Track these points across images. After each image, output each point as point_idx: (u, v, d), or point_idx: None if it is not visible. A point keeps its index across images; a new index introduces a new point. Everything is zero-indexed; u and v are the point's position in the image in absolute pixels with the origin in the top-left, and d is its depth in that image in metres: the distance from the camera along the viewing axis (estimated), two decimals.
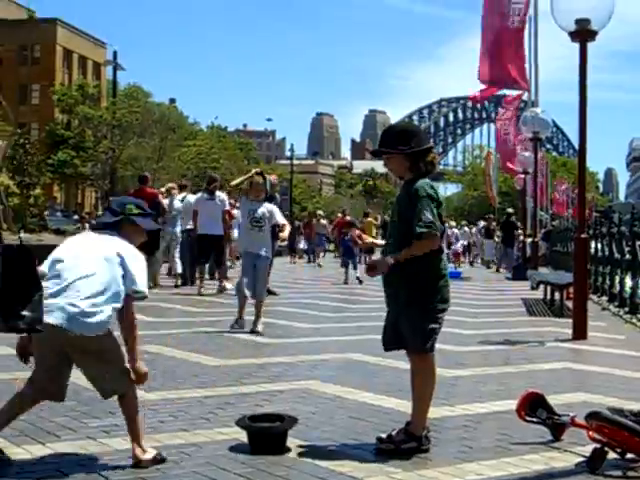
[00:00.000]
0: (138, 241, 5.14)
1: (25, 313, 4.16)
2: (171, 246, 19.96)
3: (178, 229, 20.02)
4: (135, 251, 4.99)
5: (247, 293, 11.83)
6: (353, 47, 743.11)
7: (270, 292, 17.82)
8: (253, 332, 11.36)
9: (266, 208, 11.97)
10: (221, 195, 18.19)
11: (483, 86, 22.75)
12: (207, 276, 18.47)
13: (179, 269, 20.03)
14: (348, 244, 23.86)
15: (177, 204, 20.17)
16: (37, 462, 4.99)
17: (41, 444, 5.41)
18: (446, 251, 40.24)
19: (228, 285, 17.91)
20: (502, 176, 60.35)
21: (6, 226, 24.99)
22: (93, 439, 5.59)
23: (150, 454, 4.97)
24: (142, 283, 4.94)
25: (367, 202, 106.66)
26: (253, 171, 12.78)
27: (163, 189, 21.11)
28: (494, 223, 39.97)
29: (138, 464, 4.89)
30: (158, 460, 4.96)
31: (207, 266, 19.46)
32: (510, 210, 36.50)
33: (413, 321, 5.54)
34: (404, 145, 5.61)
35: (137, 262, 4.95)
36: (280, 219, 12.32)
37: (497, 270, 32.89)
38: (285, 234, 12.59)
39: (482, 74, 22.59)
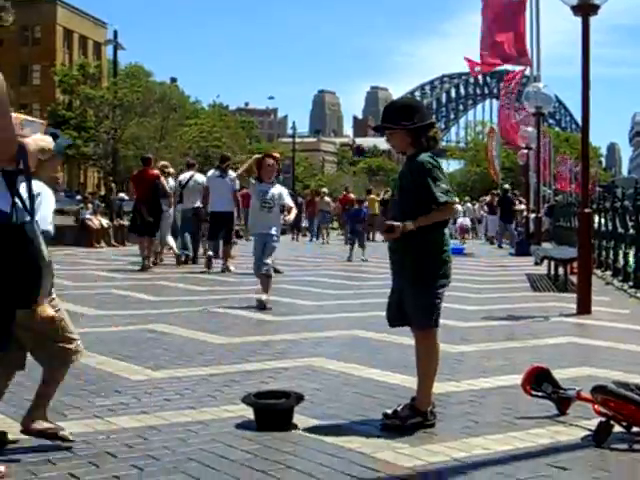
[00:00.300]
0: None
1: None
2: (163, 225, 19.45)
3: (171, 209, 19.84)
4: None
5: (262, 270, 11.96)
6: (355, 24, 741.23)
7: (275, 270, 17.86)
8: (262, 308, 11.55)
9: (277, 190, 12.21)
10: (232, 174, 18.09)
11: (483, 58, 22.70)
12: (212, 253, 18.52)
13: (174, 246, 19.95)
14: (354, 222, 23.90)
15: (171, 183, 20.13)
16: (45, 441, 5.00)
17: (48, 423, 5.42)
18: (450, 226, 40.32)
19: (232, 267, 18.02)
20: (505, 151, 60.26)
21: None
22: (100, 417, 5.61)
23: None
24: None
25: (369, 179, 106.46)
26: (254, 157, 12.80)
27: (160, 166, 20.96)
28: (497, 199, 39.92)
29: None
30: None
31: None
32: (507, 186, 36.46)
33: (416, 298, 5.55)
34: (406, 120, 5.60)
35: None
36: (288, 201, 12.58)
37: (499, 246, 32.82)
38: (291, 217, 12.86)
39: (483, 50, 22.57)
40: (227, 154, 20.91)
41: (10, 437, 5.07)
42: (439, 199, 5.45)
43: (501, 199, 34.53)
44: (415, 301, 5.55)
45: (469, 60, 25.03)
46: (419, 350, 5.66)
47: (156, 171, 19.37)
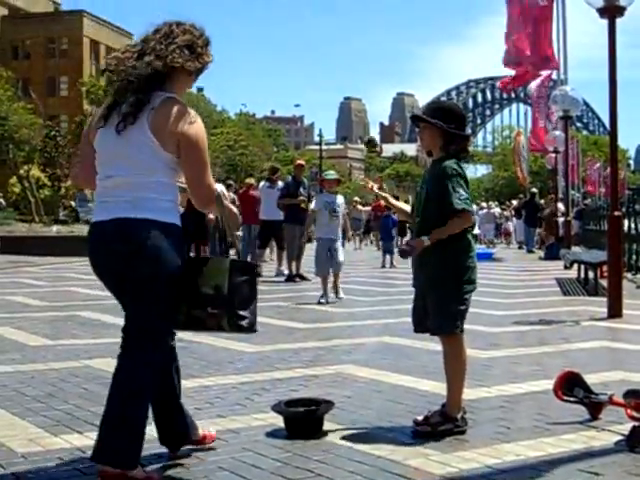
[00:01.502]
0: None
1: (246, 314, 4.70)
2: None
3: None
4: None
5: (329, 271, 13.99)
6: (380, 30, 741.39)
7: (302, 277, 17.93)
8: (337, 298, 13.92)
9: (340, 200, 14.36)
10: (280, 184, 19.44)
11: (508, 69, 22.56)
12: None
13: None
14: (384, 230, 23.99)
15: None
16: (76, 452, 5.02)
17: (78, 433, 5.44)
18: (476, 231, 40.15)
19: (286, 270, 18.74)
20: (533, 155, 60.00)
21: (38, 218, 25.17)
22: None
23: None
24: None
25: (396, 185, 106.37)
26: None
27: None
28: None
29: None
30: None
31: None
32: (534, 190, 36.30)
33: (440, 303, 5.52)
34: (445, 122, 5.57)
35: None
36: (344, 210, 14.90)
37: (528, 251, 32.61)
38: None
39: (509, 54, 22.43)
40: (277, 166, 22.20)
41: (38, 448, 5.09)
42: (455, 205, 5.41)
43: (526, 202, 34.41)
44: (438, 305, 5.52)
45: (504, 83, 24.99)
46: (446, 356, 5.63)
47: None
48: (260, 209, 19.58)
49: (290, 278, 18.04)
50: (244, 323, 4.68)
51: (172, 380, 4.86)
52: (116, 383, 4.46)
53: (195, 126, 4.48)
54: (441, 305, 5.52)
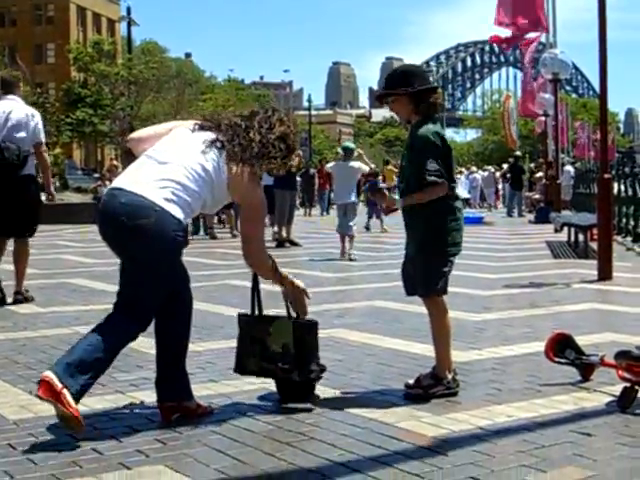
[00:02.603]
0: None
1: (313, 367, 5.35)
2: None
3: None
4: None
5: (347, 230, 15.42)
6: None
7: (293, 243, 17.93)
8: (350, 260, 14.87)
9: (356, 164, 16.19)
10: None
11: (501, 30, 22.40)
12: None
13: None
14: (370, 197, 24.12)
15: None
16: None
17: None
18: (467, 195, 40.16)
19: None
20: (522, 119, 59.92)
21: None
22: (122, 393, 5.62)
23: None
24: None
25: (387, 150, 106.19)
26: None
27: None
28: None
29: None
30: None
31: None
32: (518, 153, 36.35)
33: (423, 264, 5.53)
34: (407, 86, 5.52)
35: None
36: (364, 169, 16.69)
37: (508, 214, 32.45)
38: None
39: (500, 16, 22.30)
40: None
41: (29, 415, 5.09)
42: (426, 179, 5.39)
43: (511, 166, 34.44)
44: (422, 268, 5.52)
45: (495, 39, 24.79)
46: (431, 318, 5.64)
47: None
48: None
49: (280, 244, 18.01)
50: (313, 375, 5.31)
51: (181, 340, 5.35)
52: (93, 332, 4.81)
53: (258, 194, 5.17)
54: (424, 268, 5.52)
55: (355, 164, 16.14)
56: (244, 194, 5.05)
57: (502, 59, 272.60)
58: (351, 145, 17.68)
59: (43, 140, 10.01)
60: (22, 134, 9.55)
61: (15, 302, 9.63)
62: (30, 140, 9.67)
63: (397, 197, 5.69)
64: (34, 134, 9.72)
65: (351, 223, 15.45)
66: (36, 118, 9.79)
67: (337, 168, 16.62)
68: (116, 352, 4.86)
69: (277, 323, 5.36)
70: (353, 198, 15.85)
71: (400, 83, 5.56)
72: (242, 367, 5.47)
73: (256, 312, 5.52)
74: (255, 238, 5.26)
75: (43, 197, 10.67)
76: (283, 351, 5.20)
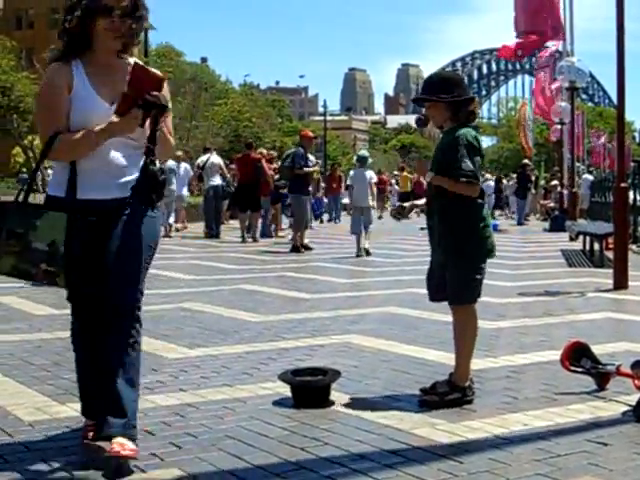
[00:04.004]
0: None
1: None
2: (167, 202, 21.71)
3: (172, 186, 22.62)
4: None
5: (362, 230, 17.02)
6: (386, 1, 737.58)
7: (306, 247, 17.95)
8: (368, 254, 16.73)
9: (369, 173, 17.54)
10: (312, 158, 20.07)
11: (518, 39, 22.36)
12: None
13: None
14: None
15: (184, 165, 24.46)
16: (83, 420, 5.00)
17: None
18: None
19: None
20: (538, 127, 59.83)
21: (42, 189, 25.19)
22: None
23: None
24: None
25: (402, 157, 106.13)
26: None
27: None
28: (532, 176, 39.61)
29: None
30: None
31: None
32: (526, 161, 36.23)
33: (456, 273, 5.52)
34: (446, 93, 5.54)
35: None
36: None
37: (518, 223, 32.24)
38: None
39: (518, 25, 22.28)
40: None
41: (45, 417, 5.10)
42: (459, 178, 5.41)
43: (518, 174, 34.34)
44: (456, 276, 5.51)
45: (506, 47, 24.70)
46: (457, 325, 5.62)
47: (258, 155, 22.49)
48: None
49: (296, 248, 18.03)
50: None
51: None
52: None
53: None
54: (457, 276, 5.51)
55: (368, 173, 17.51)
56: None
57: (518, 67, 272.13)
58: (366, 154, 19.01)
59: None
60: None
61: None
62: None
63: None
64: None
65: (370, 223, 17.33)
66: None
67: (354, 175, 17.93)
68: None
69: (47, 216, 4.32)
70: (370, 201, 17.35)
71: (439, 90, 5.57)
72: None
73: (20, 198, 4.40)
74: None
75: None
76: (50, 250, 4.28)
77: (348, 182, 19.40)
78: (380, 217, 30.60)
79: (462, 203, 5.48)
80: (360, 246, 16.91)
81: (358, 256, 16.56)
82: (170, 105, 4.33)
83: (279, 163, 23.23)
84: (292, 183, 18.65)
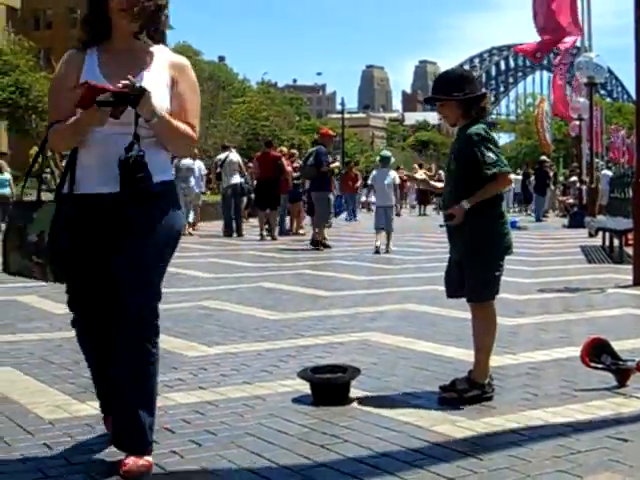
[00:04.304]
0: None
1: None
2: (185, 201, 22.47)
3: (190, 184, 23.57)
4: None
5: (382, 227, 17.26)
6: None
7: (325, 245, 17.96)
8: (387, 252, 16.83)
9: (392, 173, 18.06)
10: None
11: (537, 37, 22.25)
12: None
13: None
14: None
15: (198, 164, 24.56)
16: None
17: None
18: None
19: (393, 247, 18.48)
20: (556, 123, 59.60)
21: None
22: (157, 394, 5.61)
23: None
24: None
25: (419, 154, 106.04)
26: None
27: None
28: (550, 172, 39.47)
29: None
30: None
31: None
32: (543, 157, 36.11)
33: (475, 271, 5.51)
34: (457, 91, 5.53)
35: None
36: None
37: (537, 219, 32.12)
38: None
39: (537, 21, 22.18)
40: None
41: (65, 415, 5.11)
42: (486, 172, 5.40)
43: (535, 170, 34.21)
44: (475, 274, 5.51)
45: (523, 49, 24.58)
46: (477, 322, 5.61)
47: (278, 153, 22.70)
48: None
49: (316, 243, 18.18)
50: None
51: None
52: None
53: None
54: (476, 273, 5.51)
55: (392, 173, 18.00)
56: None
57: (536, 62, 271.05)
58: (388, 154, 19.28)
59: None
60: None
61: None
62: None
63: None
64: None
65: (391, 222, 17.49)
66: None
67: (377, 175, 18.19)
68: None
69: (44, 206, 4.27)
70: (392, 200, 17.91)
71: (450, 88, 5.57)
72: (7, 266, 4.39)
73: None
74: None
75: None
76: (37, 241, 4.17)
77: (369, 182, 19.57)
78: (398, 214, 30.54)
79: (480, 202, 5.47)
80: (378, 244, 17.04)
81: (377, 252, 16.72)
82: (151, 93, 4.03)
83: (299, 161, 23.33)
84: (315, 181, 18.77)
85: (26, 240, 4.20)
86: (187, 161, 23.09)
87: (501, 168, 5.44)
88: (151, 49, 4.26)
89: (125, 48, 4.22)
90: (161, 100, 4.12)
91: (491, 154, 5.42)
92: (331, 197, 19.33)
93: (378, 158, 19.42)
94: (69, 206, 4.14)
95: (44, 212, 4.21)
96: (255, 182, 22.64)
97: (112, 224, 4.13)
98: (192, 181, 23.68)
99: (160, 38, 4.31)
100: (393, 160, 20.06)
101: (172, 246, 4.28)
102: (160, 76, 4.19)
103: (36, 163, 4.54)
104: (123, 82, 3.94)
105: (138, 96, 3.97)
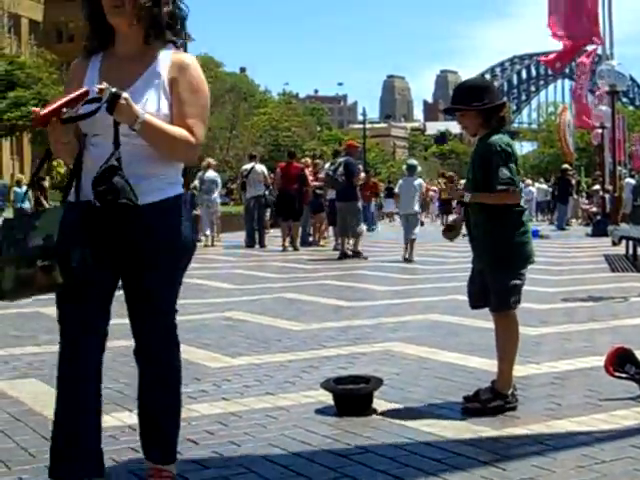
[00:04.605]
0: None
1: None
2: (208, 212, 23.55)
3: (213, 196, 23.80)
4: None
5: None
6: (424, 9, 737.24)
7: (360, 255, 18.19)
8: (409, 261, 17.19)
9: (417, 181, 18.43)
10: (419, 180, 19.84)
11: (555, 43, 22.25)
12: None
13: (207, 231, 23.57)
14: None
15: (211, 174, 23.80)
16: (127, 429, 5.06)
17: (129, 411, 5.46)
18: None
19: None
20: (578, 132, 59.38)
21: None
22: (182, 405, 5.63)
23: None
24: None
25: (441, 163, 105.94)
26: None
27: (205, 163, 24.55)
28: (573, 180, 39.32)
29: None
30: None
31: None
32: (566, 165, 36.01)
33: (497, 280, 5.50)
34: (477, 101, 5.53)
35: None
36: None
37: (559, 228, 31.92)
38: None
39: (554, 30, 22.16)
40: (339, 149, 24.12)
41: None
42: (497, 186, 5.39)
43: (557, 179, 34.09)
44: (496, 283, 5.50)
45: (545, 60, 24.58)
46: (499, 332, 5.60)
47: (301, 164, 22.99)
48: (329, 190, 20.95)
49: (344, 255, 18.36)
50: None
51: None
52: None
53: None
54: (498, 283, 5.50)
55: (418, 181, 18.44)
56: None
57: None
58: (414, 162, 19.77)
59: None
60: None
61: None
62: None
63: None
64: None
65: (414, 230, 17.69)
66: None
67: (404, 183, 18.63)
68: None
69: (46, 213, 4.06)
70: (416, 209, 18.19)
71: (469, 98, 5.56)
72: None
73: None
74: None
75: None
76: (44, 244, 3.79)
77: (396, 190, 19.88)
78: (422, 223, 30.53)
79: (499, 210, 5.47)
80: (404, 253, 17.66)
81: (406, 260, 17.32)
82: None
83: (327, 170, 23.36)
84: (344, 191, 18.77)
85: (27, 247, 3.80)
86: (211, 173, 23.46)
87: (510, 187, 5.42)
88: (157, 52, 4.00)
89: (131, 54, 3.99)
90: (155, 104, 3.88)
91: (506, 171, 5.39)
92: (360, 206, 19.35)
93: (405, 167, 19.74)
94: (75, 213, 3.89)
95: (48, 216, 3.90)
96: (277, 193, 22.67)
97: (120, 233, 3.92)
98: (216, 193, 23.91)
99: (168, 38, 4.03)
100: (419, 169, 20.41)
101: (175, 255, 4.02)
102: (159, 79, 3.94)
103: (39, 172, 4.41)
104: (97, 86, 3.73)
105: (112, 102, 3.69)
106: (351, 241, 18.86)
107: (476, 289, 5.69)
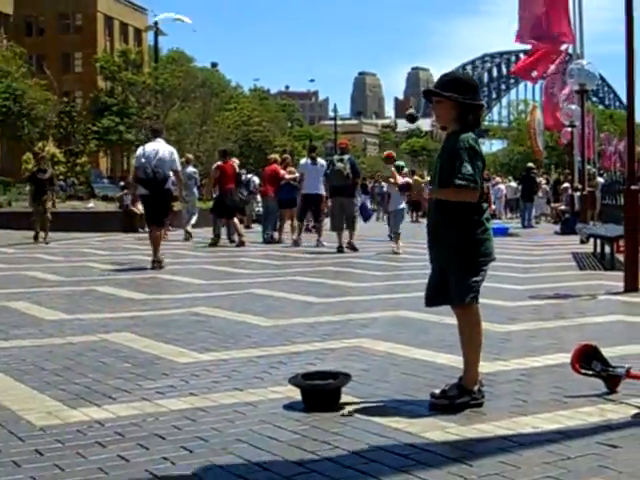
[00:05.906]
0: None
1: None
2: (187, 207, 24.50)
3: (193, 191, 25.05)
4: None
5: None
6: (395, 4, 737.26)
7: (353, 248, 19.27)
8: (395, 253, 18.34)
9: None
10: (322, 161, 21.59)
11: (519, 44, 22.28)
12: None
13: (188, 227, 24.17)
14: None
15: (190, 169, 24.94)
16: (94, 424, 5.05)
17: (97, 406, 5.46)
18: (493, 207, 39.96)
19: (324, 242, 20.41)
20: (548, 131, 59.64)
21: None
22: (148, 400, 5.63)
23: None
24: None
25: (412, 160, 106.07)
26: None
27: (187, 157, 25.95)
28: (541, 179, 39.55)
29: None
30: None
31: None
32: (530, 164, 36.26)
33: (456, 275, 5.52)
34: (459, 94, 5.52)
35: None
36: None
37: (523, 226, 32.05)
38: None
39: (523, 31, 22.17)
40: (314, 144, 24.95)
41: (57, 421, 5.12)
42: (454, 182, 5.39)
43: (524, 177, 34.26)
44: (455, 279, 5.52)
45: (518, 71, 24.63)
46: (461, 328, 5.63)
47: (274, 166, 23.45)
48: (304, 184, 21.06)
49: (353, 248, 19.38)
50: None
51: None
52: None
53: None
54: (457, 278, 5.51)
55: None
56: None
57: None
58: (402, 163, 21.59)
59: (179, 168, 15.74)
60: (165, 164, 14.77)
61: (153, 268, 14.54)
62: (169, 167, 14.88)
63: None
64: (173, 163, 15.05)
65: (395, 227, 19.35)
66: (174, 155, 15.17)
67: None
68: None
69: None
70: (402, 205, 19.84)
71: (452, 88, 5.56)
72: None
73: None
74: None
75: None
76: None
77: (385, 189, 21.56)
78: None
79: (460, 206, 5.47)
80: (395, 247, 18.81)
81: (395, 253, 18.44)
82: None
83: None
84: (346, 188, 19.60)
85: None
86: (190, 169, 24.50)
87: (469, 184, 5.39)
88: None
89: None
90: None
91: (470, 168, 5.39)
92: (343, 201, 19.97)
93: (393, 168, 20.26)
94: None
95: None
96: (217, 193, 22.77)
97: None
98: (194, 189, 25.07)
99: None
100: (406, 170, 22.10)
101: None
102: None
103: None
104: None
105: None
106: (346, 235, 19.69)
107: (434, 287, 5.70)
